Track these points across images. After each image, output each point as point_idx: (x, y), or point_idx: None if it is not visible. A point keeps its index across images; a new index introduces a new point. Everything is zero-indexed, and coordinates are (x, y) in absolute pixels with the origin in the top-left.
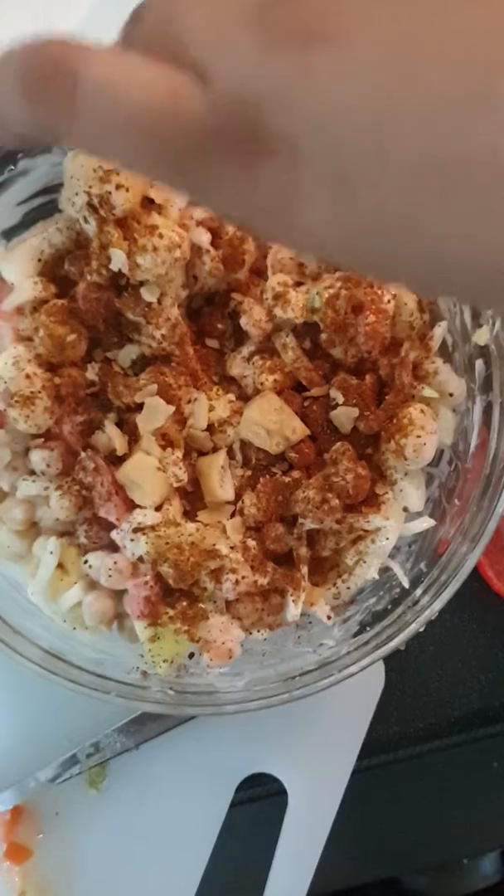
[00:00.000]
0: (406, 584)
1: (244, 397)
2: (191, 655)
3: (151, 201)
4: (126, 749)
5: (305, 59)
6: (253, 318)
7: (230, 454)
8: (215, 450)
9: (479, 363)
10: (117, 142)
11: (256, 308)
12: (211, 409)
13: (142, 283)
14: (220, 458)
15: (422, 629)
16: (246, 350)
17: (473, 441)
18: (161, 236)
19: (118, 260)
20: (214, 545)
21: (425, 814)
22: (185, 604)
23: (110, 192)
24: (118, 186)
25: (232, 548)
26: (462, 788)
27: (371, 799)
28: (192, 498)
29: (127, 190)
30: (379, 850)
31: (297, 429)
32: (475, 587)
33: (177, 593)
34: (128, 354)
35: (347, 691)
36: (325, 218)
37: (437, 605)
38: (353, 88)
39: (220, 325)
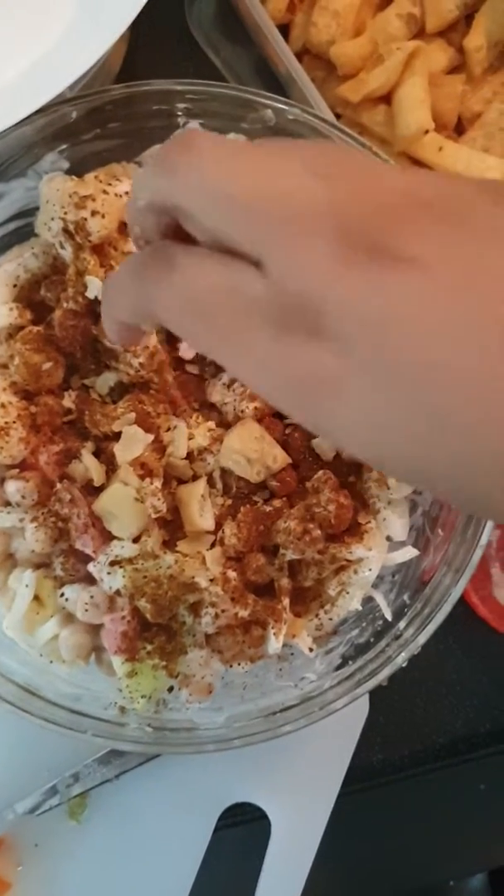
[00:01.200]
0: (389, 617)
1: (224, 424)
2: (170, 689)
3: (127, 226)
4: (106, 779)
5: (382, 278)
6: None
7: (210, 482)
8: (195, 478)
9: None
10: (189, 322)
11: None
12: (190, 437)
13: None
14: (200, 486)
15: (405, 664)
16: (226, 376)
17: None
18: None
19: (94, 287)
20: (193, 578)
21: (412, 837)
22: (163, 638)
23: (86, 219)
24: (94, 213)
25: (211, 580)
26: (448, 811)
27: (357, 823)
28: (172, 527)
29: (103, 216)
30: (366, 874)
31: (277, 457)
32: (460, 613)
33: (155, 627)
34: (105, 381)
35: (331, 719)
36: (358, 406)
37: (421, 638)
38: (427, 316)
39: (198, 352)
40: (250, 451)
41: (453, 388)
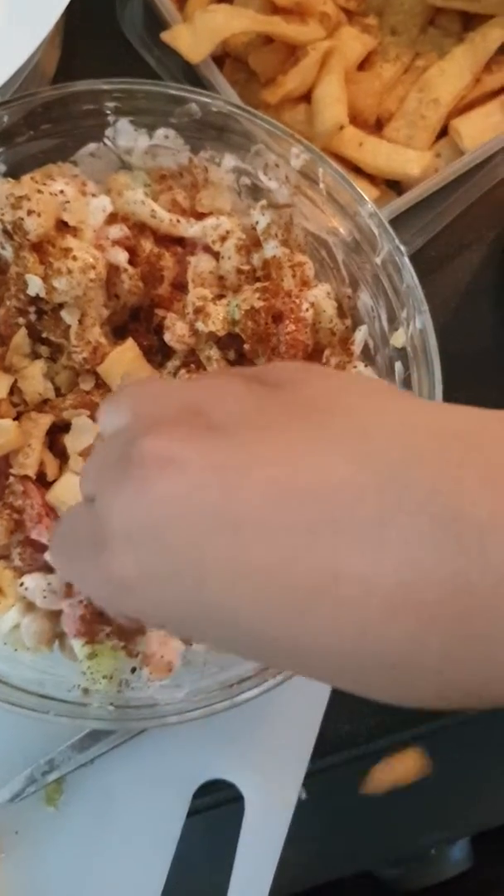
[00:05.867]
0: None
1: None
2: (133, 670)
3: (66, 224)
4: (81, 764)
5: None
6: (175, 333)
7: None
8: None
9: (398, 365)
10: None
11: (179, 324)
12: None
13: (62, 306)
14: None
15: None
16: (171, 365)
17: None
18: (75, 258)
19: (34, 285)
20: None
21: (386, 807)
22: None
23: (22, 218)
24: (30, 212)
25: None
26: (423, 779)
27: (331, 795)
28: None
29: (39, 215)
30: (342, 845)
31: None
32: None
33: None
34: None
35: (296, 693)
36: (145, 595)
37: None
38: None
39: (145, 342)
40: None
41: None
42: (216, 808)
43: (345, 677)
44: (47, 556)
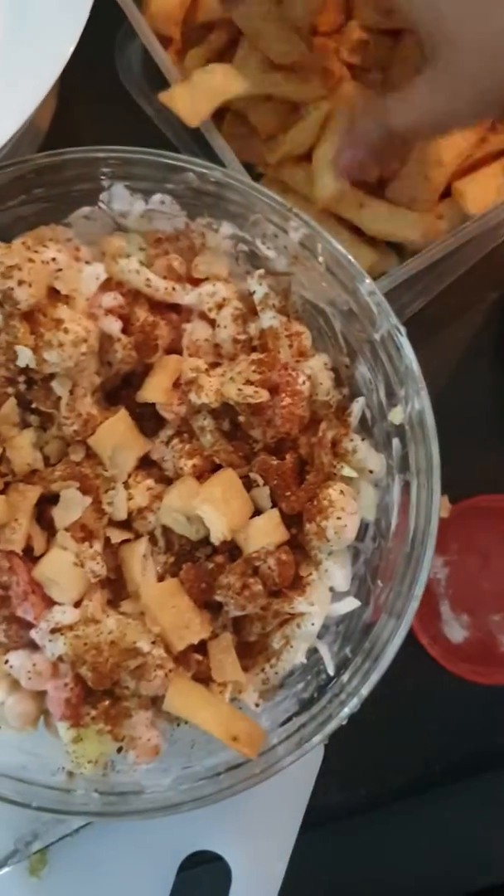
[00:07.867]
0: (331, 671)
1: (166, 480)
2: (120, 749)
3: (58, 292)
4: (65, 834)
5: None
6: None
7: (153, 540)
8: (137, 537)
9: (395, 442)
10: None
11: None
12: (130, 497)
13: (52, 375)
14: (142, 546)
15: (345, 722)
16: (164, 434)
17: (393, 520)
18: (66, 331)
19: (24, 357)
20: (135, 643)
21: (380, 872)
22: (106, 703)
23: (12, 288)
24: (20, 282)
25: (153, 643)
26: (415, 844)
27: (320, 864)
28: (116, 586)
29: (30, 285)
30: None
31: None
32: (412, 652)
33: (99, 692)
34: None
35: None
36: None
37: (364, 690)
38: None
39: (137, 409)
40: (189, 508)
41: None
42: (203, 878)
43: None
44: None
